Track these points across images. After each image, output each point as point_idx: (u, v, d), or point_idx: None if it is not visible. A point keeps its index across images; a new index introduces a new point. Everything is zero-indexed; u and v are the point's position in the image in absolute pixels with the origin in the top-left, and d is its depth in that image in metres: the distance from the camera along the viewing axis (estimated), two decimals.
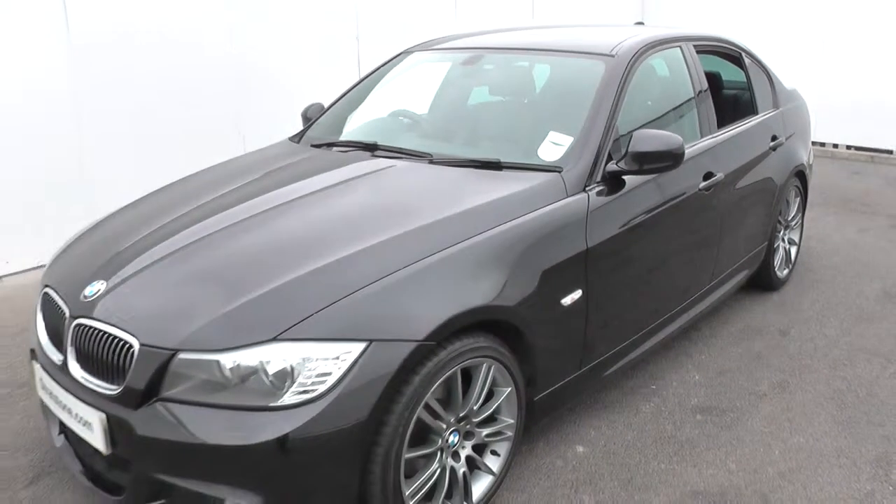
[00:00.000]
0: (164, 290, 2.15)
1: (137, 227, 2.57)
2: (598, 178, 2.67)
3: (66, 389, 2.15)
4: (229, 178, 2.90)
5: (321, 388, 1.87)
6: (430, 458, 2.17)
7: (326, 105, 3.72)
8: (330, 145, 3.19)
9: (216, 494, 1.91)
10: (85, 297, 2.20)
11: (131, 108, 4.99)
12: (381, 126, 3.34)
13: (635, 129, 2.74)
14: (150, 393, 1.95)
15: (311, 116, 3.69)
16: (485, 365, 2.21)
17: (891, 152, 7.27)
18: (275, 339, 1.89)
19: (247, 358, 1.89)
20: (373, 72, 3.75)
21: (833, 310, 3.97)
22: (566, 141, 2.74)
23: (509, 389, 2.33)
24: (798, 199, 4.27)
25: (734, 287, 3.72)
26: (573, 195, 2.57)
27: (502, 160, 2.70)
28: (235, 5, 5.44)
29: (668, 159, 2.65)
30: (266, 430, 1.85)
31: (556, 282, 2.41)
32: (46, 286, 2.45)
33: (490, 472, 2.36)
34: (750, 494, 2.51)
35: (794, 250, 4.35)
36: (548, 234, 2.42)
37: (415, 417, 2.02)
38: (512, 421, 2.37)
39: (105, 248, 2.48)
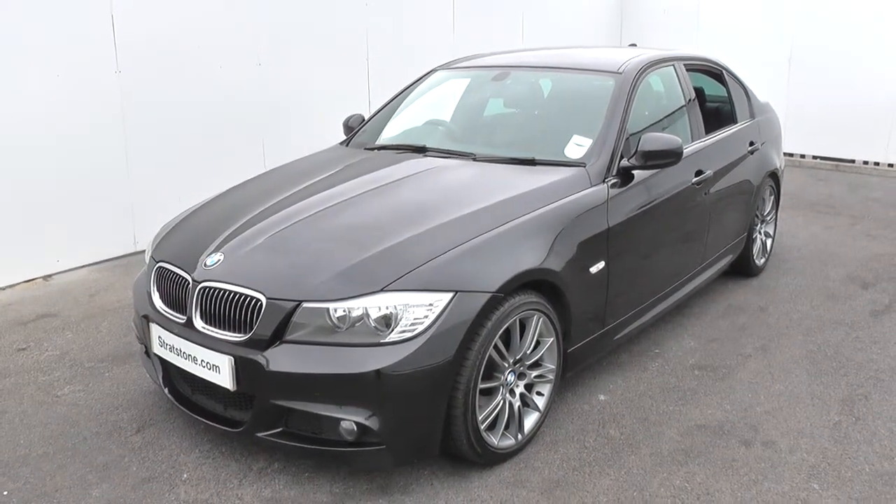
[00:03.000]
0: (282, 256, 2.73)
1: (237, 212, 3.14)
2: (614, 172, 3.31)
3: (193, 341, 2.70)
4: (306, 173, 3.50)
5: (419, 329, 2.45)
6: (493, 392, 2.75)
7: (366, 116, 4.33)
8: (382, 148, 3.79)
9: (333, 414, 2.47)
10: (206, 265, 2.76)
11: (171, 119, 5.54)
12: (422, 132, 3.96)
13: (640, 132, 3.39)
14: (275, 337, 2.51)
15: (352, 125, 4.29)
16: (535, 317, 2.81)
17: (853, 161, 8.09)
18: (382, 290, 2.47)
19: (358, 305, 2.47)
20: (407, 87, 4.37)
21: (805, 291, 4.65)
22: (587, 142, 3.38)
23: (552, 339, 2.93)
24: (772, 197, 4.97)
25: (720, 269, 4.38)
26: (595, 185, 3.20)
27: (536, 158, 3.33)
28: (260, 32, 6.03)
29: (671, 157, 3.30)
30: (373, 362, 2.42)
31: (585, 253, 3.03)
32: (160, 262, 2.99)
33: (537, 408, 2.95)
34: (742, 426, 3.14)
35: (769, 242, 5.04)
36: (579, 215, 3.04)
37: (486, 356, 2.61)
38: (553, 366, 2.98)
39: (212, 229, 3.05)
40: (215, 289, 2.68)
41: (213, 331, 2.66)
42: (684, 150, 3.74)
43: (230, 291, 2.64)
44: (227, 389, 2.62)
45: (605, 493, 2.69)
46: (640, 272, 3.46)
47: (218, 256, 2.78)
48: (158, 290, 2.97)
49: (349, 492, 2.69)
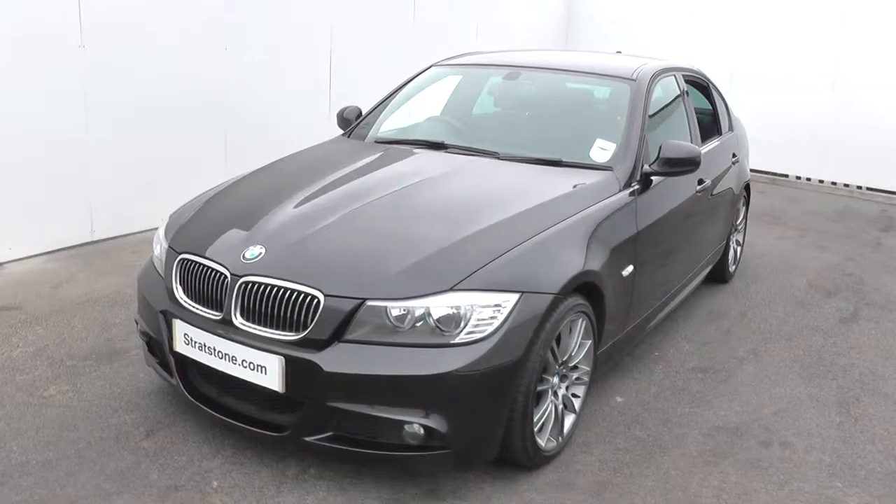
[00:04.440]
0: (335, 250, 2.60)
1: (266, 202, 2.99)
2: (638, 178, 3.36)
3: (232, 340, 2.53)
4: (327, 165, 3.38)
5: (488, 330, 2.40)
6: (542, 395, 2.72)
7: (362, 107, 4.22)
8: (396, 142, 3.70)
9: (397, 417, 2.38)
10: (246, 258, 2.60)
11: (135, 101, 5.20)
12: (435, 128, 3.89)
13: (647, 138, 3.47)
14: (333, 337, 2.39)
15: (348, 117, 4.16)
16: (580, 319, 2.81)
17: (787, 176, 8.59)
18: (451, 289, 2.40)
19: (426, 304, 2.38)
20: (407, 82, 4.29)
21: (775, 298, 4.89)
22: (611, 146, 3.42)
23: (590, 342, 2.94)
24: (744, 207, 5.19)
25: (705, 275, 4.54)
26: (624, 190, 3.24)
27: (563, 159, 3.34)
28: (228, 18, 5.77)
29: (691, 164, 3.38)
30: (442, 364, 2.35)
31: (619, 257, 3.07)
32: (183, 254, 2.79)
33: (573, 410, 2.95)
34: (757, 428, 3.26)
35: (738, 250, 5.27)
36: (615, 218, 3.08)
37: (544, 358, 2.59)
38: (588, 369, 2.99)
39: (242, 219, 2.88)
40: (260, 284, 2.53)
41: (257, 329, 2.51)
42: None
43: (278, 287, 2.50)
44: (273, 391, 2.47)
45: (651, 494, 2.73)
46: (656, 276, 3.53)
47: (258, 249, 2.61)
48: (182, 283, 2.77)
49: (399, 497, 2.60)
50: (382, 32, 7.24)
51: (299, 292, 2.45)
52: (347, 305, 2.39)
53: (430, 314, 2.40)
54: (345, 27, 6.83)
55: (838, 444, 3.17)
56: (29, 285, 4.39)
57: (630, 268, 3.15)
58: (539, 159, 3.36)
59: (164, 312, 2.78)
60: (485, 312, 2.41)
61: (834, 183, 8.40)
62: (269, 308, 2.49)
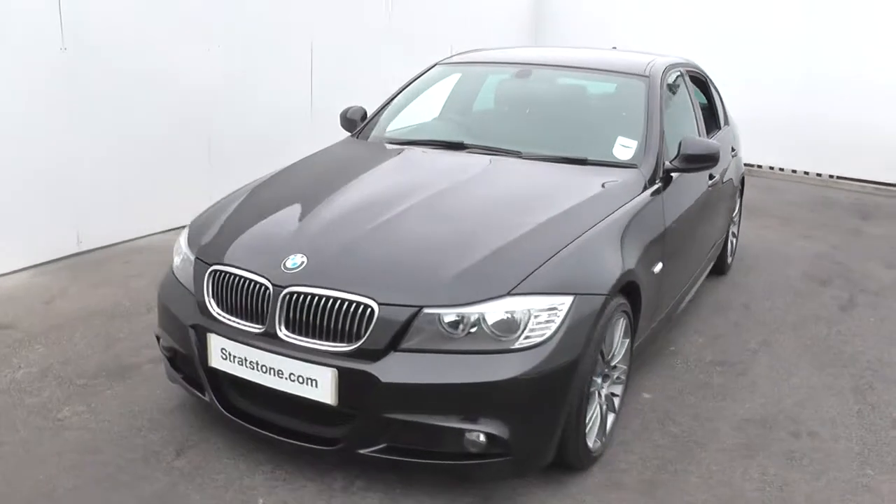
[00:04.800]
0: (382, 257, 2.54)
1: (295, 209, 2.90)
2: (661, 175, 3.38)
3: (277, 353, 2.45)
4: (350, 167, 3.34)
5: (546, 333, 2.38)
6: (590, 396, 2.71)
7: (368, 108, 4.15)
8: (412, 143, 3.64)
9: (457, 426, 2.34)
10: (287, 268, 2.52)
11: (117, 106, 5.02)
12: (450, 127, 3.85)
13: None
14: (388, 346, 2.34)
15: (352, 117, 4.08)
16: (622, 319, 2.81)
17: (760, 166, 8.80)
18: (509, 294, 2.37)
19: (485, 310, 2.35)
20: (412, 80, 4.23)
21: (774, 288, 4.99)
22: (632, 144, 3.43)
23: (628, 341, 2.94)
24: (739, 199, 5.29)
25: (710, 267, 4.61)
26: (650, 187, 3.26)
27: (588, 158, 3.34)
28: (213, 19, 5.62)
29: (711, 160, 3.42)
30: (504, 370, 2.32)
31: (651, 254, 3.08)
32: (215, 265, 2.70)
33: (613, 409, 2.96)
34: (783, 419, 3.31)
35: (734, 242, 5.36)
36: (646, 216, 3.09)
37: (594, 358, 2.58)
38: (626, 367, 3.00)
39: (274, 227, 2.80)
40: (306, 294, 2.45)
41: (305, 341, 2.43)
42: None
43: (327, 297, 2.43)
44: (323, 405, 2.41)
45: (698, 490, 2.75)
46: (678, 271, 3.56)
47: (300, 258, 2.54)
48: (215, 296, 2.67)
49: None
50: (360, 32, 7.16)
51: (351, 302, 2.39)
52: (403, 314, 2.34)
53: (485, 320, 2.36)
54: (325, 27, 6.74)
55: (862, 431, 3.24)
56: (19, 301, 4.20)
57: (660, 265, 3.17)
58: (564, 158, 3.35)
59: (194, 327, 2.68)
60: (542, 316, 2.39)
61: (806, 173, 8.63)
62: (316, 319, 2.42)
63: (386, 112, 4.07)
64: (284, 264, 2.53)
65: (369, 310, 2.36)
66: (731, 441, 3.10)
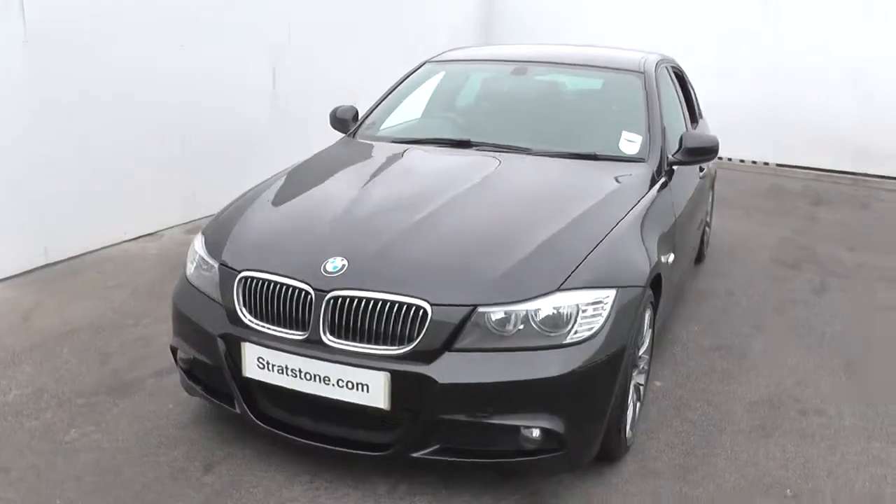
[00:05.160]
0: (425, 257, 2.53)
1: (318, 211, 2.87)
2: (665, 168, 3.47)
3: (322, 360, 2.41)
4: (363, 167, 3.35)
5: (595, 327, 2.42)
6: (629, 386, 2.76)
7: (359, 107, 4.10)
8: (416, 142, 3.63)
9: (512, 423, 2.35)
10: (328, 272, 2.47)
11: (83, 105, 4.81)
12: (452, 125, 3.84)
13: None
14: (442, 347, 2.33)
15: (343, 117, 4.03)
16: (648, 310, 2.88)
17: (720, 158, 9.12)
18: (558, 290, 2.40)
19: (537, 307, 2.37)
20: (403, 79, 4.21)
21: (751, 275, 5.19)
22: (637, 138, 3.51)
23: (650, 331, 3.02)
24: (711, 191, 5.47)
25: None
26: (659, 180, 3.35)
27: (597, 153, 3.40)
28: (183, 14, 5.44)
29: (711, 152, 3.54)
30: (558, 365, 2.35)
31: (666, 246, 3.17)
32: (244, 271, 2.61)
33: (639, 398, 3.02)
34: (787, 399, 3.46)
35: (708, 231, 5.55)
36: (660, 208, 3.19)
37: (634, 350, 2.63)
38: (648, 357, 3.07)
39: (302, 230, 2.75)
40: (352, 298, 2.41)
41: (353, 346, 2.40)
42: None
43: (375, 300, 2.39)
44: (376, 409, 2.38)
45: (728, 472, 2.84)
46: (680, 261, 3.67)
47: (340, 261, 2.49)
48: (246, 304, 2.60)
49: (504, 503, 2.58)
50: (325, 31, 7.08)
51: (401, 304, 2.36)
52: (457, 314, 2.33)
53: (536, 316, 2.38)
54: (295, 25, 6.63)
55: (861, 406, 3.41)
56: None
57: (672, 256, 3.26)
58: (574, 153, 3.41)
59: (224, 336, 2.60)
60: (588, 310, 2.43)
61: (754, 162, 9.00)
62: (365, 323, 2.39)
63: (380, 111, 4.03)
64: (324, 268, 2.48)
65: (422, 311, 2.34)
66: (746, 423, 3.22)
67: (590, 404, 2.44)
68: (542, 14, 9.95)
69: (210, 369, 2.73)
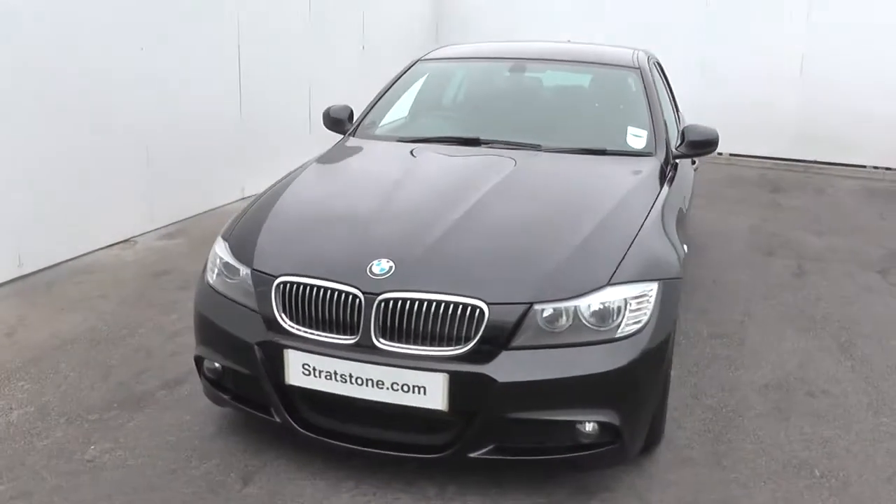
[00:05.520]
0: (475, 256, 2.54)
1: (346, 211, 2.86)
2: (671, 161, 3.56)
3: (375, 364, 2.38)
4: (375, 168, 3.37)
5: (643, 320, 2.46)
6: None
7: (354, 106, 4.07)
8: (423, 140, 3.62)
9: (570, 418, 2.38)
10: (375, 275, 2.45)
11: (44, 111, 4.60)
12: (456, 123, 3.83)
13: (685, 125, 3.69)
14: (500, 346, 2.34)
15: (337, 116, 3.99)
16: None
17: None
18: (609, 284, 2.44)
19: (588, 302, 2.40)
20: (398, 77, 4.18)
21: (731, 262, 5.38)
22: (643, 133, 3.59)
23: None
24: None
25: None
26: (668, 174, 3.43)
27: (607, 148, 3.46)
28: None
29: (713, 145, 3.64)
30: (613, 359, 2.38)
31: (682, 237, 3.24)
32: (283, 276, 2.55)
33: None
34: (793, 381, 3.60)
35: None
36: (674, 201, 3.27)
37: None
38: (670, 346, 3.14)
39: (343, 233, 2.72)
40: (405, 300, 2.39)
41: (407, 348, 2.38)
42: None
43: (429, 301, 2.38)
44: (433, 411, 2.37)
45: (758, 456, 2.94)
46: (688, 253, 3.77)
47: (386, 263, 2.47)
48: (286, 309, 2.55)
49: (555, 499, 2.60)
50: (283, 31, 6.99)
51: (457, 304, 2.36)
52: (514, 312, 2.34)
53: (586, 311, 2.41)
54: (251, 28, 6.51)
55: (862, 384, 3.59)
56: None
57: (685, 247, 3.34)
58: (585, 149, 3.45)
59: (262, 344, 2.54)
60: (633, 304, 2.47)
61: (720, 153, 9.29)
62: (419, 324, 2.37)
63: (378, 110, 4.00)
64: (370, 270, 2.45)
65: (478, 311, 2.35)
66: (761, 407, 3.34)
67: (641, 395, 2.49)
68: (488, 14, 10.07)
69: (244, 379, 2.66)
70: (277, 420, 2.61)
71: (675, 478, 2.77)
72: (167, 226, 5.76)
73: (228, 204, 6.53)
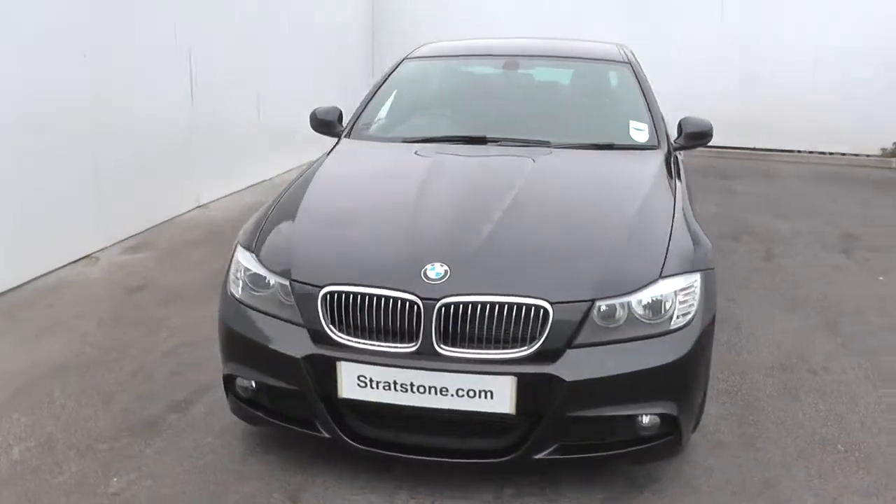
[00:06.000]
0: (528, 256, 2.55)
1: (377, 216, 2.84)
2: (672, 152, 3.66)
3: (438, 371, 2.35)
4: (390, 170, 3.32)
5: (692, 311, 2.53)
6: None
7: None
8: (427, 140, 3.60)
9: (632, 412, 2.42)
10: (431, 279, 2.42)
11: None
12: (457, 122, 3.81)
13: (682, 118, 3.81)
14: (565, 345, 2.36)
15: (325, 118, 3.90)
16: None
17: None
18: (661, 277, 2.49)
19: (644, 296, 2.45)
20: (386, 77, 4.13)
21: None
22: (644, 127, 3.67)
23: None
24: None
25: None
26: (674, 166, 3.52)
27: (615, 143, 3.53)
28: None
29: (708, 136, 3.76)
30: (672, 350, 2.43)
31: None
32: (329, 286, 2.47)
33: None
34: (795, 360, 3.77)
35: None
36: (685, 192, 3.34)
37: None
38: None
39: (384, 239, 2.68)
40: (467, 304, 2.36)
41: (471, 352, 2.36)
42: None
43: (492, 303, 2.36)
44: (500, 415, 2.36)
45: (784, 436, 3.05)
46: None
47: (440, 268, 2.44)
48: (334, 320, 2.48)
49: (613, 494, 2.64)
50: (234, 38, 6.84)
51: (520, 305, 2.35)
52: (578, 310, 2.36)
53: (639, 305, 2.45)
54: (202, 34, 6.31)
55: (857, 359, 3.79)
56: None
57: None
58: (594, 144, 3.51)
59: (310, 358, 2.46)
60: (682, 295, 2.53)
61: None
62: (483, 328, 2.36)
63: (370, 111, 3.94)
64: (425, 275, 2.42)
65: (542, 311, 2.35)
66: (772, 388, 3.48)
67: (695, 385, 2.56)
68: (424, 14, 10.14)
69: (285, 395, 2.58)
70: (326, 435, 2.54)
71: (716, 463, 2.86)
72: (127, 239, 5.51)
73: (186, 213, 6.32)
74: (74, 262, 4.96)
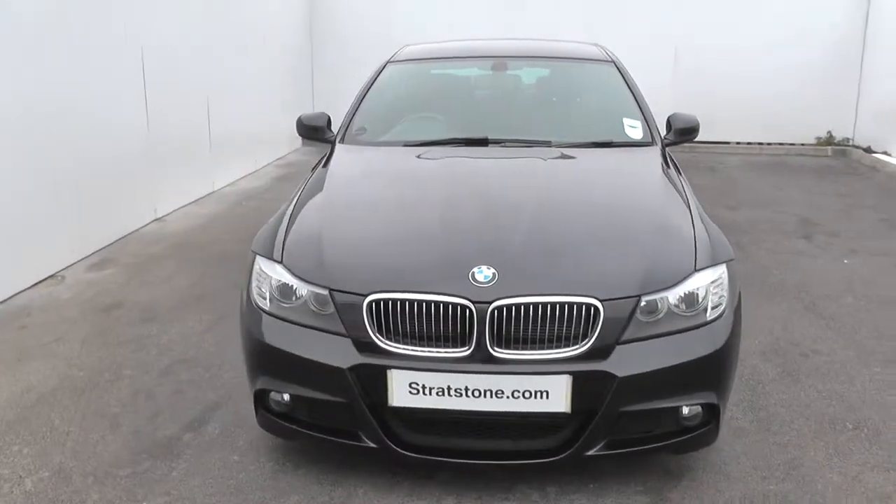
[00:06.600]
0: (571, 254, 2.62)
1: (417, 221, 2.85)
2: (665, 148, 3.80)
3: (493, 373, 2.39)
4: (403, 173, 3.36)
5: (724, 302, 2.64)
6: None
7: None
8: (428, 143, 3.63)
9: (677, 404, 2.51)
10: (479, 282, 2.44)
11: None
12: (455, 124, 3.84)
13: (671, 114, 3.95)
14: (615, 341, 2.43)
15: (314, 124, 3.86)
16: None
17: None
18: (696, 270, 2.59)
19: (682, 290, 2.54)
20: (372, 81, 4.12)
21: None
22: (637, 124, 3.79)
23: None
24: None
25: None
26: (670, 161, 3.66)
27: (613, 140, 3.64)
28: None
29: (696, 132, 3.91)
30: (714, 341, 2.53)
31: None
32: (375, 294, 2.46)
33: None
34: (786, 344, 3.97)
35: None
36: (685, 188, 3.47)
37: None
38: None
39: (422, 244, 2.70)
40: (518, 305, 2.40)
41: (525, 353, 2.40)
42: None
43: (544, 304, 2.40)
44: (555, 414, 2.42)
45: (796, 418, 3.20)
46: None
47: (488, 270, 2.46)
48: (380, 328, 2.47)
49: (653, 486, 2.72)
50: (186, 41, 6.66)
51: (571, 304, 2.41)
52: (626, 306, 2.43)
53: (678, 299, 2.53)
54: (154, 35, 6.12)
55: (843, 340, 4.03)
56: None
57: None
58: (593, 143, 3.60)
59: (357, 368, 2.45)
60: (713, 287, 2.64)
61: None
62: (536, 329, 2.40)
63: (361, 116, 3.92)
64: (473, 279, 2.44)
65: (593, 308, 2.41)
66: (772, 373, 3.65)
67: (731, 373, 2.67)
68: (364, 14, 10.16)
69: (328, 406, 2.56)
70: (372, 445, 2.53)
71: (741, 449, 2.98)
72: (89, 256, 5.31)
73: (144, 226, 6.12)
74: (39, 282, 4.75)
